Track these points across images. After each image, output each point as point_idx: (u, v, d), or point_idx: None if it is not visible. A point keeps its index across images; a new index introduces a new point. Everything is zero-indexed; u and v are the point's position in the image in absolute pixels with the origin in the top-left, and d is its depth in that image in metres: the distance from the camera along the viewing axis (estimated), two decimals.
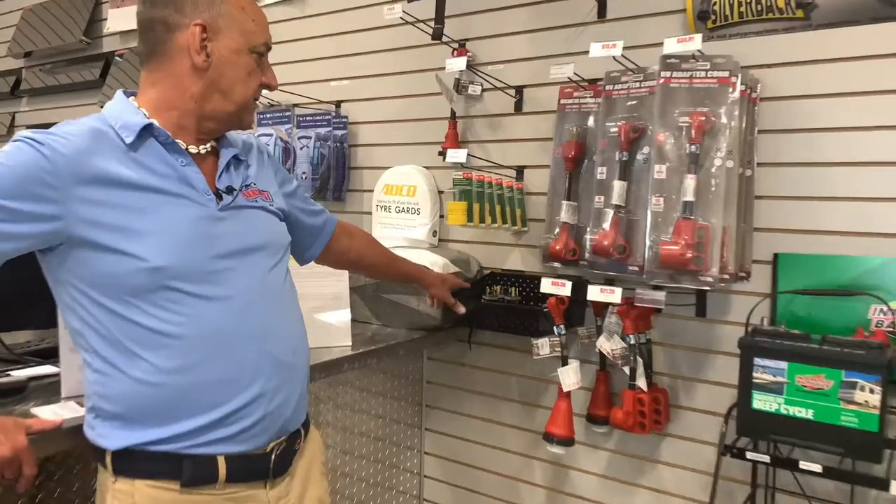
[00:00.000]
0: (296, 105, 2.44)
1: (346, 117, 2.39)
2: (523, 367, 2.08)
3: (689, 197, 1.49)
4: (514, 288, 2.02)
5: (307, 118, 2.38)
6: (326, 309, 1.81)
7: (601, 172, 1.71)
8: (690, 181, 1.49)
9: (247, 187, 1.25)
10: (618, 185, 1.64)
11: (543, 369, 1.99)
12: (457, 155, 1.80)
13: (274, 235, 1.27)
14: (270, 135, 2.25)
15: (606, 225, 1.66)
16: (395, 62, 2.30)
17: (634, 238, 1.63)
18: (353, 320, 2.10)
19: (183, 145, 1.17)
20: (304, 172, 2.32)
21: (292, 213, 1.40)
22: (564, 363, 1.72)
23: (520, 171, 2.04)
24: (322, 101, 2.43)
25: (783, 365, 1.42)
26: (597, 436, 1.95)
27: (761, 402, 1.44)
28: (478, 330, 2.05)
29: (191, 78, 1.16)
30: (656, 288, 1.66)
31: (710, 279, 1.49)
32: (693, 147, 1.50)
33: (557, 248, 1.83)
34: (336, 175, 2.38)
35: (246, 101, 1.21)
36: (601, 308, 1.86)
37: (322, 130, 2.35)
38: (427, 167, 2.24)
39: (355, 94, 2.41)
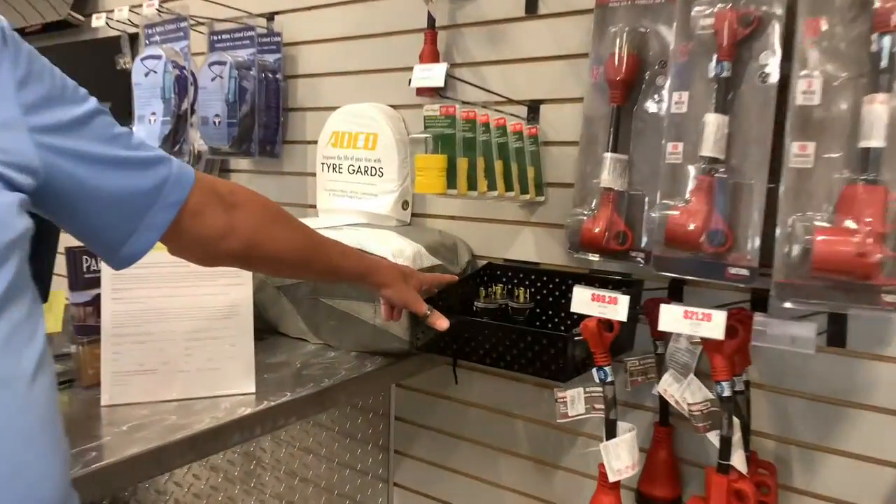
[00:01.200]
0: (200, 22, 1.68)
1: (279, 35, 1.64)
2: (535, 406, 1.38)
3: (877, 140, 0.76)
4: (522, 289, 1.30)
5: (222, 37, 1.64)
6: (213, 332, 1.09)
7: (678, 101, 0.98)
8: (880, 108, 0.76)
9: None
10: (713, 122, 0.91)
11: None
12: (429, 74, 1.07)
13: None
14: (158, 57, 1.51)
15: (690, 193, 0.93)
16: None
17: (742, 217, 0.91)
18: (282, 335, 1.41)
19: None
20: (216, 115, 1.58)
21: (64, 168, 0.66)
22: (611, 433, 1.00)
23: (534, 107, 1.30)
24: (250, 14, 1.69)
25: None
26: None
27: None
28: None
29: None
30: (758, 306, 0.95)
31: None
32: (886, 39, 0.76)
33: (596, 230, 1.11)
34: (265, 120, 1.65)
35: None
36: None
37: (243, 54, 1.61)
38: (395, 106, 1.51)
39: (293, 1, 1.66)
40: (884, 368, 1.04)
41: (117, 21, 1.79)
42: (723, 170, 0.91)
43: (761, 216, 0.89)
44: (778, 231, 0.83)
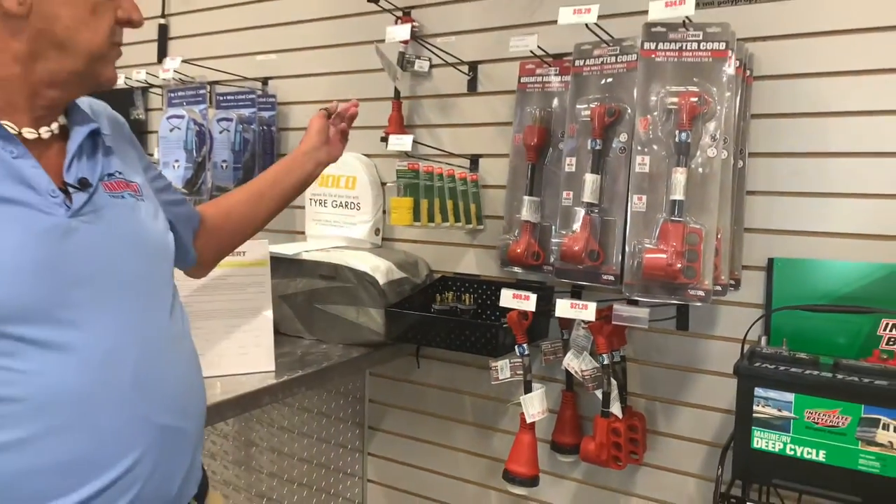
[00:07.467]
0: (214, 82, 2.11)
1: (273, 96, 2.07)
2: (479, 385, 1.82)
3: (679, 195, 1.24)
4: (468, 295, 1.75)
5: (227, 98, 2.05)
6: (243, 327, 1.50)
7: (569, 164, 1.45)
8: (680, 176, 1.24)
9: (110, 177, 0.93)
10: (590, 180, 1.38)
11: (501, 389, 1.73)
12: (401, 142, 1.51)
13: (152, 242, 0.95)
14: (181, 116, 1.92)
15: (577, 226, 1.40)
16: (331, 33, 1.99)
17: (609, 242, 1.38)
18: (282, 335, 1.82)
19: (13, 129, 0.85)
20: (224, 161, 1.99)
21: (165, 210, 1.06)
22: (528, 389, 1.46)
23: (474, 160, 1.76)
24: (246, 78, 2.11)
25: (789, 397, 1.18)
26: (562, 465, 1.70)
27: (763, 440, 1.21)
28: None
29: (5, 32, 0.83)
30: (631, 302, 1.42)
31: (701, 293, 1.25)
32: (683, 134, 1.24)
33: (518, 251, 1.57)
34: (263, 163, 2.06)
35: (98, 49, 0.88)
36: (568, 320, 1.61)
37: (245, 112, 2.03)
38: (368, 155, 1.95)
39: (284, 69, 2.09)
40: (713, 344, 1.51)
41: (135, 80, 2.19)
42: (597, 210, 1.38)
43: (621, 242, 1.36)
44: (627, 250, 1.30)
